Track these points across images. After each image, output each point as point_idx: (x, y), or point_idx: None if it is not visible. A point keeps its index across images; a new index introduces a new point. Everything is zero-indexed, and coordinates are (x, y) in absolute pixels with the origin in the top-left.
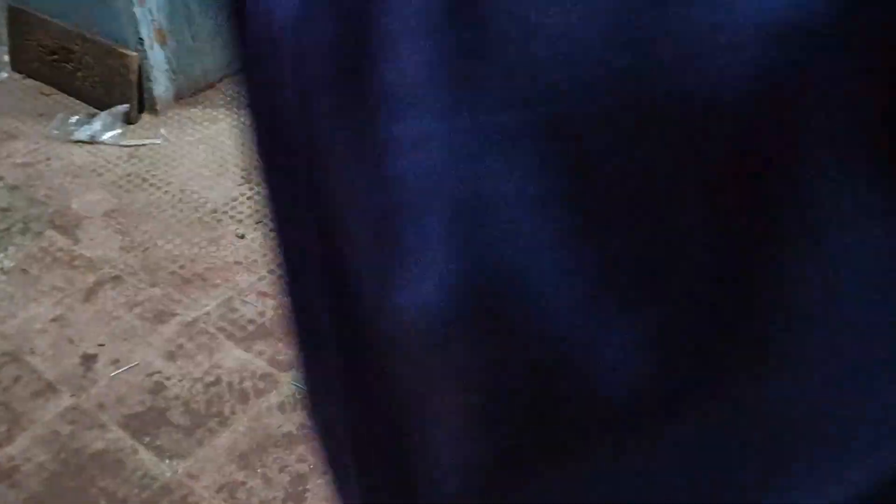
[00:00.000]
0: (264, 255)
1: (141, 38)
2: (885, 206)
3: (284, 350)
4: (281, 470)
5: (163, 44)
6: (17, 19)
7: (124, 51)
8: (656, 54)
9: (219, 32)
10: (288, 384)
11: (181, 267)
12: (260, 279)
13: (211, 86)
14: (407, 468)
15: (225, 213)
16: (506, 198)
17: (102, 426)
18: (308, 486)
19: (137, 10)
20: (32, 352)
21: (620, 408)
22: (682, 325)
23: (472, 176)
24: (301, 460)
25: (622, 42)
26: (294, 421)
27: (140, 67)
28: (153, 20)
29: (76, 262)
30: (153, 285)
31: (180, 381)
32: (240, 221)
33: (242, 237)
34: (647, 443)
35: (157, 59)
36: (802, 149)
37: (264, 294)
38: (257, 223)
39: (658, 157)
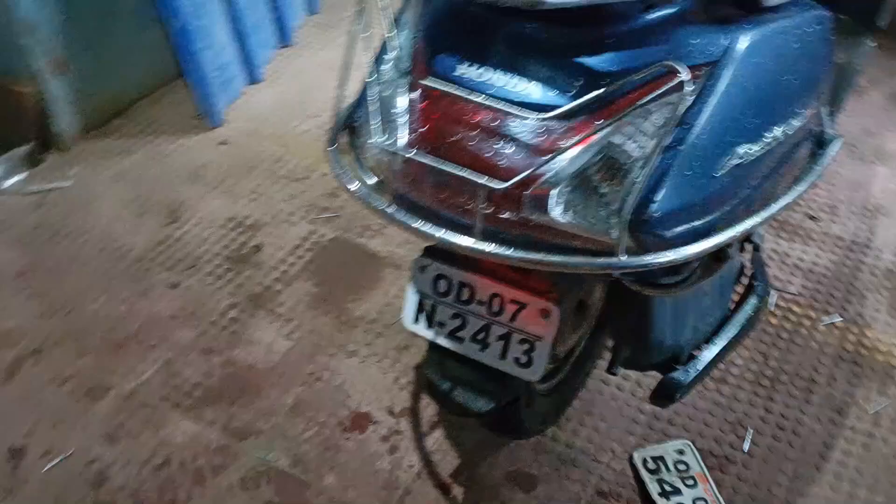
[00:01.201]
0: (203, 305)
1: (35, 70)
2: None
3: (239, 414)
4: None
5: (62, 72)
6: None
7: (16, 87)
8: None
9: (127, 51)
10: (248, 455)
11: (111, 329)
12: (201, 334)
13: (122, 112)
14: None
15: (152, 259)
16: None
17: None
18: None
19: (27, 40)
20: None
21: None
22: None
23: None
24: None
25: None
26: (260, 498)
27: (37, 102)
28: (48, 48)
29: None
30: (81, 355)
31: (125, 467)
32: (170, 268)
33: (175, 286)
34: None
35: (57, 90)
36: None
37: (208, 351)
38: (189, 268)
39: None
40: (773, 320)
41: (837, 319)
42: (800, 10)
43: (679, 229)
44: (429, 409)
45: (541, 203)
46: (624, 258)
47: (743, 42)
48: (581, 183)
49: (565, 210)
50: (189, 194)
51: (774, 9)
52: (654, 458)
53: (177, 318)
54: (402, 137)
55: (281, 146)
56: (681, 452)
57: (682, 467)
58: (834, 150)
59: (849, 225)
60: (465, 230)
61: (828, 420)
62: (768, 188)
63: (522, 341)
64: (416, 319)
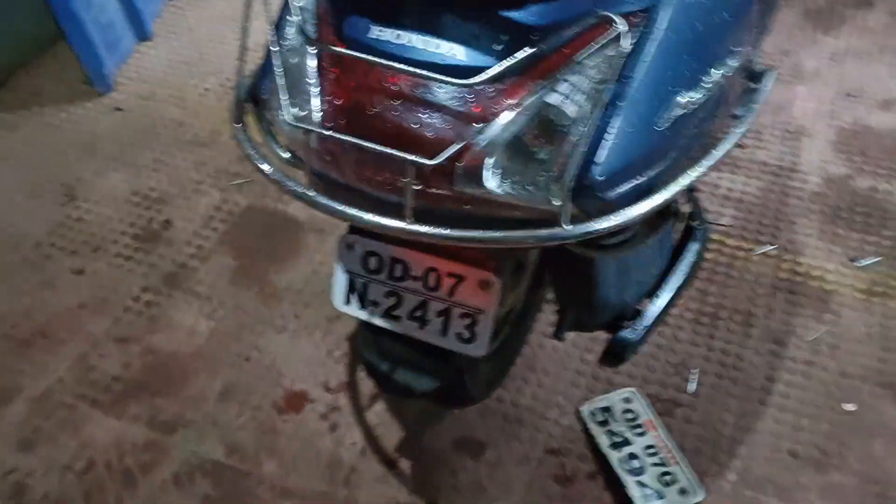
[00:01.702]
0: (114, 290)
1: None
2: None
3: (165, 406)
4: None
5: None
6: None
7: None
8: None
9: (2, 18)
10: (179, 449)
11: (13, 326)
12: (115, 322)
13: (1, 84)
14: None
15: (52, 244)
16: None
17: None
18: None
19: None
20: None
21: None
22: None
23: None
24: None
25: None
26: (196, 494)
27: None
28: None
29: None
30: None
31: (45, 475)
32: (73, 253)
33: (81, 272)
34: None
35: None
36: None
37: (124, 340)
38: (94, 250)
39: None
40: (708, 255)
41: (770, 248)
42: None
43: (623, 190)
44: (367, 381)
45: (475, 175)
46: (569, 227)
47: None
48: (515, 149)
49: (501, 180)
50: (85, 169)
51: None
52: (602, 410)
53: (86, 306)
54: (316, 111)
55: (181, 109)
56: (627, 401)
57: (630, 416)
58: (769, 83)
59: (773, 149)
60: (394, 209)
61: (768, 352)
62: (708, 133)
63: (463, 315)
64: (348, 300)
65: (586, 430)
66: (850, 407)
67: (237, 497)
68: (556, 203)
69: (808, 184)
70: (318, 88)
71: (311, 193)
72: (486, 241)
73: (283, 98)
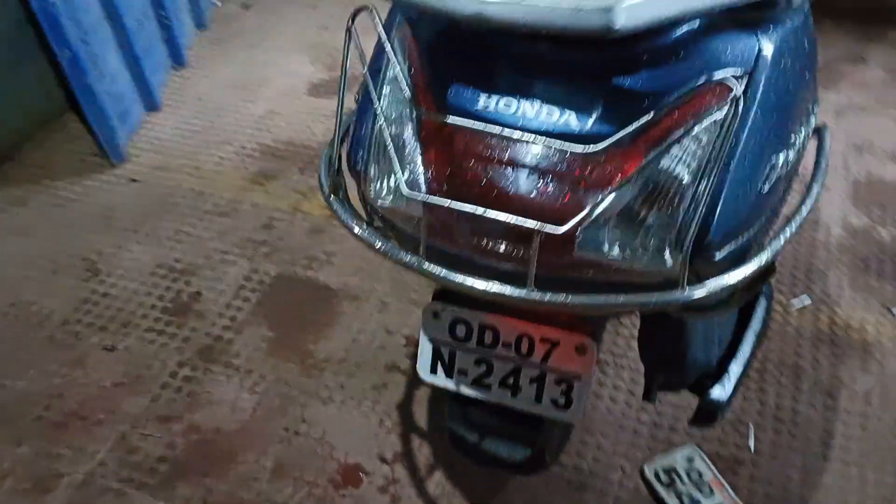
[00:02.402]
0: (148, 367)
1: None
2: None
3: (216, 486)
4: None
5: None
6: None
7: None
8: None
9: (5, 88)
10: None
11: (47, 408)
12: (153, 400)
13: (6, 157)
14: None
15: (79, 321)
16: None
17: None
18: None
19: None
20: None
21: None
22: None
23: None
24: None
25: None
26: None
27: None
28: None
29: None
30: (17, 443)
31: None
32: (101, 329)
33: (112, 349)
34: None
35: None
36: None
37: (165, 419)
38: (124, 326)
39: None
40: None
41: (808, 302)
42: (801, 4)
43: (731, 251)
44: (422, 449)
45: (594, 241)
46: (688, 289)
47: (771, 45)
48: (629, 215)
49: (618, 246)
50: (104, 243)
51: (787, 6)
52: (666, 471)
53: (121, 385)
54: (423, 181)
55: (198, 179)
56: (690, 460)
57: (694, 476)
58: (828, 139)
59: (793, 203)
60: (504, 277)
61: (822, 405)
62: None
63: (559, 381)
64: (434, 370)
65: (653, 492)
66: None
67: None
68: (669, 265)
69: (833, 235)
70: (420, 158)
71: (429, 266)
72: (608, 307)
73: (397, 167)
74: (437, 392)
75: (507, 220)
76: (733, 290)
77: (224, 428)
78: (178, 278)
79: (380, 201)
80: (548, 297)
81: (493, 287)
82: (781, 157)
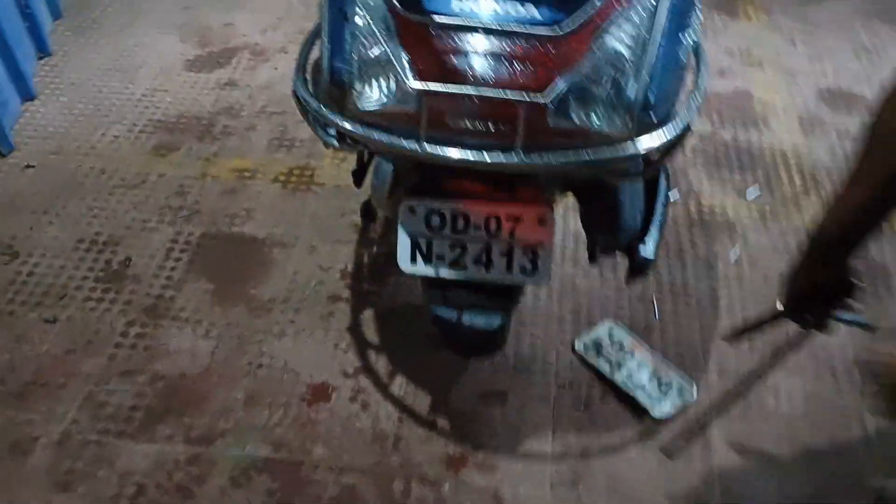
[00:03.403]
0: (97, 331)
1: None
2: None
3: (195, 422)
4: None
5: None
6: None
7: None
8: None
9: None
10: (225, 456)
11: (2, 383)
12: (110, 359)
13: None
14: None
15: (11, 301)
16: None
17: None
18: None
19: None
20: None
21: None
22: None
23: None
24: None
25: None
26: (259, 489)
27: None
28: None
29: None
30: None
31: None
32: (37, 305)
33: (54, 321)
34: None
35: None
36: None
37: (128, 373)
38: (60, 299)
39: None
40: None
41: (677, 196)
42: None
43: (665, 112)
44: (379, 361)
45: (564, 110)
46: (637, 142)
47: None
48: (586, 87)
49: (581, 114)
50: (16, 226)
51: None
52: (593, 343)
53: (73, 351)
54: (413, 76)
55: (97, 158)
56: (611, 332)
57: (617, 344)
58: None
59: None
60: (495, 150)
61: (705, 275)
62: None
63: (525, 251)
64: (413, 260)
65: (586, 363)
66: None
67: (298, 484)
68: (620, 126)
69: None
70: (405, 56)
71: (430, 147)
72: (580, 162)
73: (399, 64)
74: (383, 309)
75: (499, 96)
76: (659, 154)
77: (189, 372)
78: (103, 250)
79: (370, 107)
80: (534, 159)
81: (487, 157)
82: (690, 35)
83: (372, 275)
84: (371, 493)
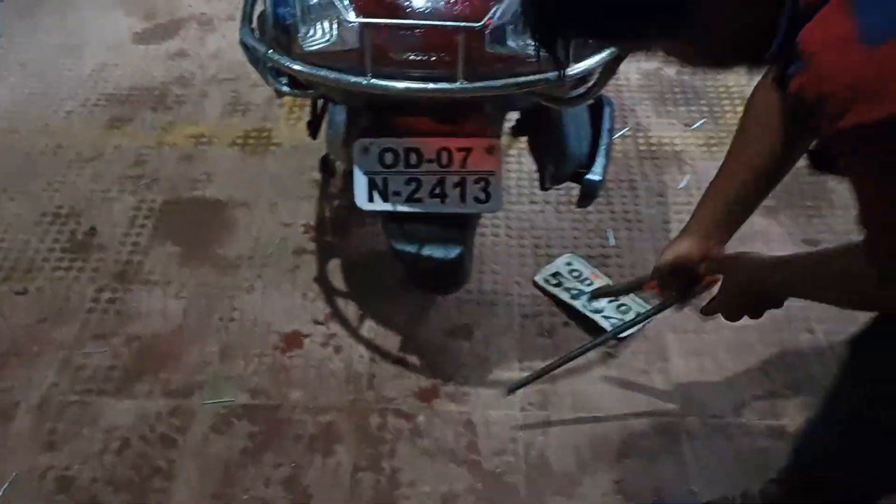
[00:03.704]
0: (67, 299)
1: None
2: None
3: (173, 377)
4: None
5: None
6: None
7: None
8: None
9: None
10: (204, 406)
11: None
12: (83, 325)
13: None
14: None
15: None
16: None
17: None
18: None
19: None
20: None
21: None
22: None
23: None
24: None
25: None
26: (240, 434)
27: None
28: None
29: None
30: None
31: (84, 463)
32: (6, 279)
33: (24, 293)
34: None
35: None
36: None
37: (102, 336)
38: (28, 272)
39: None
40: None
41: (626, 131)
42: None
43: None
44: (348, 306)
45: (500, 37)
46: (570, 67)
47: None
48: (519, 15)
49: (516, 40)
50: None
51: None
52: (553, 275)
53: (45, 320)
54: (353, 14)
55: (52, 135)
56: (569, 263)
57: (575, 273)
58: None
59: None
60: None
61: (657, 204)
62: None
63: (477, 181)
64: (371, 198)
65: (547, 294)
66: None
67: (279, 425)
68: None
69: (631, 80)
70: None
71: (377, 81)
72: (520, 84)
73: (339, 2)
74: (348, 259)
75: (439, 25)
76: (594, 81)
77: (162, 332)
78: (66, 222)
79: (316, 47)
80: (476, 85)
81: (431, 85)
82: None
83: (334, 227)
84: (349, 429)
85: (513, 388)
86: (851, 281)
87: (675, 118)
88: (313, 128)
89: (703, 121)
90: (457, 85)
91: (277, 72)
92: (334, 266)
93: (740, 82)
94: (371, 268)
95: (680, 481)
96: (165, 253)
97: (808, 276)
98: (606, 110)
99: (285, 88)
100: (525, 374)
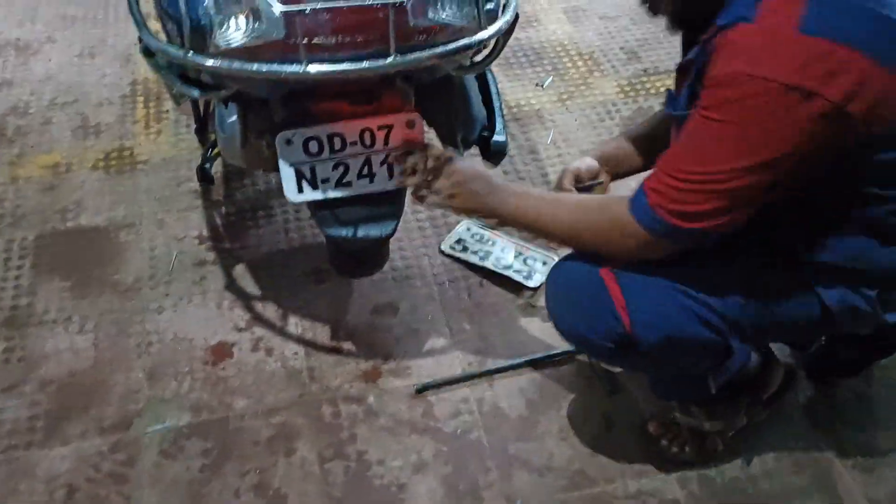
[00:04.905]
0: None
1: None
2: None
3: (104, 413)
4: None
5: None
6: None
7: None
8: None
9: None
10: (147, 435)
11: None
12: None
13: None
14: None
15: None
16: None
17: None
18: None
19: None
20: None
21: None
22: None
23: None
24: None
25: None
26: (193, 452)
27: None
28: None
29: None
30: None
31: None
32: None
33: None
34: None
35: None
36: None
37: (10, 388)
38: None
39: None
40: None
41: None
42: None
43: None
44: (267, 308)
45: (423, 10)
46: (484, 31)
47: None
48: None
49: (438, 10)
50: None
51: None
52: (457, 241)
53: None
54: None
55: None
56: (469, 228)
57: (477, 236)
58: None
59: None
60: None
61: (532, 160)
62: None
63: (402, 156)
64: (300, 189)
65: (456, 260)
66: None
67: (232, 437)
68: (470, 19)
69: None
70: None
71: (312, 66)
72: (446, 52)
73: None
74: (253, 261)
75: (365, 5)
76: (499, 40)
77: (78, 369)
78: None
79: (236, 42)
80: (409, 58)
81: (367, 64)
82: None
83: (229, 233)
84: (304, 423)
85: (420, 389)
86: (611, 230)
87: (524, 80)
88: (201, 133)
89: (550, 78)
90: (390, 60)
91: (185, 76)
92: (241, 271)
93: (572, 38)
94: (277, 266)
95: (629, 401)
96: (55, 289)
97: (568, 217)
98: (489, 75)
99: (193, 92)
100: (457, 333)
